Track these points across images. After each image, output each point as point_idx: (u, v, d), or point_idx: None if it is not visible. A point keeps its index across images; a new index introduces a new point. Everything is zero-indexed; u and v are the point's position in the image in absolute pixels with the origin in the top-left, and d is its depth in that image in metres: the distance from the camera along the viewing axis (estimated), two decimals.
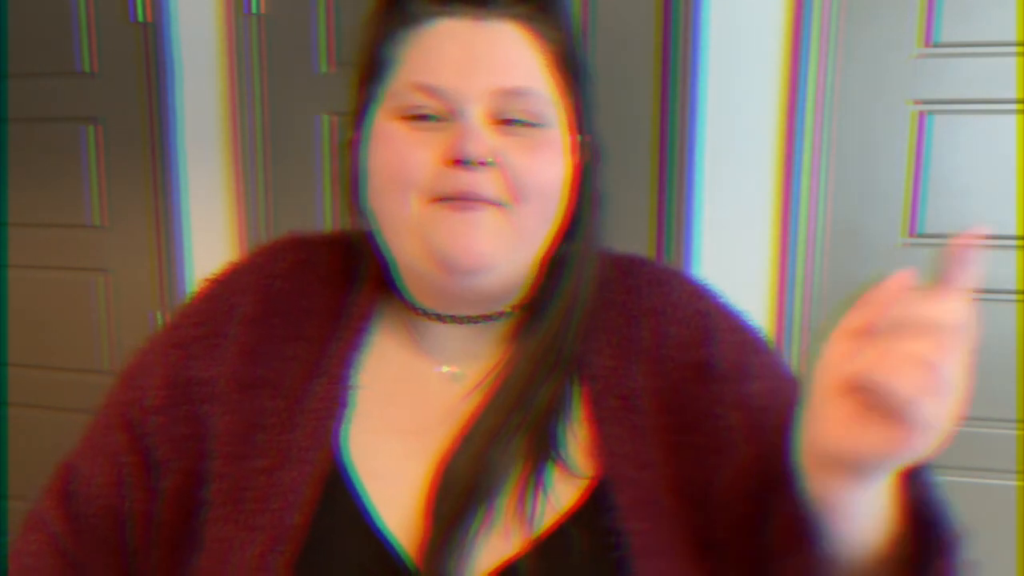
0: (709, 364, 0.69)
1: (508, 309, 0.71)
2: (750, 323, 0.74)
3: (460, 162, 0.61)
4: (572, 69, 0.68)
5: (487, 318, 0.70)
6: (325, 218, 1.98)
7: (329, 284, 0.72)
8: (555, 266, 0.70)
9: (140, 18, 2.01)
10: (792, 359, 1.75)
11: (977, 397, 1.79)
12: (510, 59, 0.64)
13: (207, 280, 0.75)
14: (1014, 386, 1.69)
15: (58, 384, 2.26)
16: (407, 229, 0.64)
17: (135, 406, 0.69)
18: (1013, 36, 1.60)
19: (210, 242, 2.08)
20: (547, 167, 0.65)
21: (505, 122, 0.64)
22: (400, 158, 0.63)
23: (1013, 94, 1.62)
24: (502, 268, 0.65)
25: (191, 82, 2.03)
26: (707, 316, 0.72)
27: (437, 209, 0.63)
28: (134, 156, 2.07)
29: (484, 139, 0.62)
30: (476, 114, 0.62)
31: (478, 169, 0.62)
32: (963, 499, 1.98)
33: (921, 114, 1.67)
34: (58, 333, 2.23)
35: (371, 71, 0.67)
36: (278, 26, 1.95)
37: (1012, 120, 1.63)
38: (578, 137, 0.69)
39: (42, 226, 2.20)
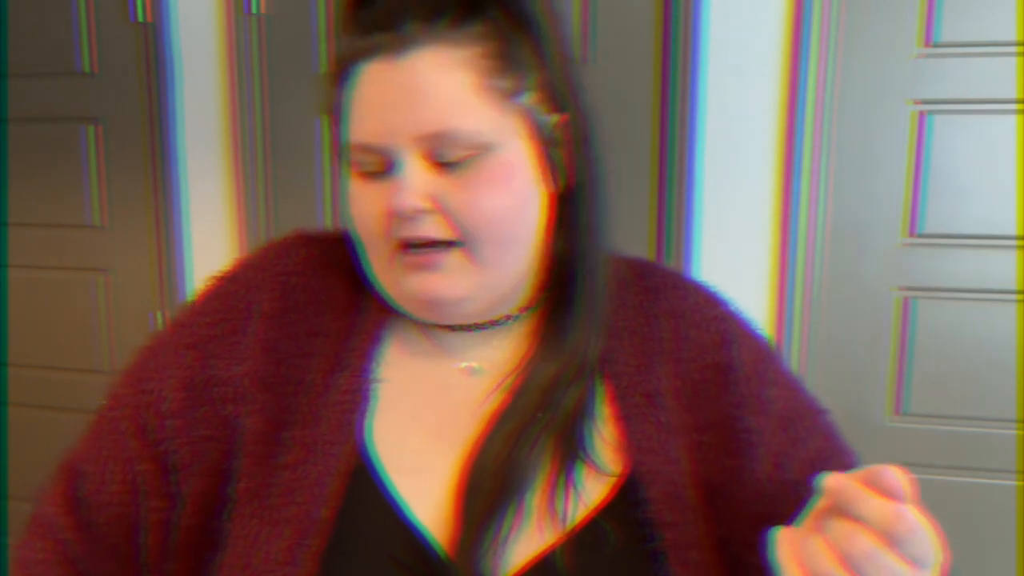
0: (729, 367, 0.70)
1: (515, 312, 0.71)
2: (760, 332, 0.76)
3: (396, 215, 0.62)
4: (529, 52, 0.64)
5: (494, 323, 0.71)
6: (325, 218, 1.98)
7: (344, 278, 0.72)
8: (563, 263, 0.70)
9: (140, 18, 2.01)
10: (792, 359, 1.75)
11: (977, 397, 1.80)
12: (428, 98, 0.60)
13: (215, 278, 0.73)
14: (1014, 386, 1.69)
15: (58, 384, 2.26)
16: (379, 276, 0.67)
17: (148, 410, 0.68)
18: (1013, 36, 1.60)
19: (210, 242, 2.08)
20: (491, 197, 0.62)
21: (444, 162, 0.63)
22: (360, 214, 0.66)
23: (1013, 94, 1.62)
24: (477, 298, 0.66)
25: (191, 82, 2.03)
26: (724, 321, 0.73)
27: (400, 263, 0.65)
28: (134, 156, 2.07)
29: (414, 189, 0.61)
30: (410, 162, 0.62)
31: (416, 217, 0.62)
32: (963, 499, 1.97)
33: (921, 114, 1.67)
34: (58, 333, 2.24)
35: (333, 119, 0.67)
36: (278, 26, 1.95)
37: (1012, 120, 1.63)
38: (553, 119, 0.66)
39: (42, 226, 2.20)
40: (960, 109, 1.65)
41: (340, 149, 0.67)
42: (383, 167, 0.63)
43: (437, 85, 0.61)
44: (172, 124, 2.03)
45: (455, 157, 0.61)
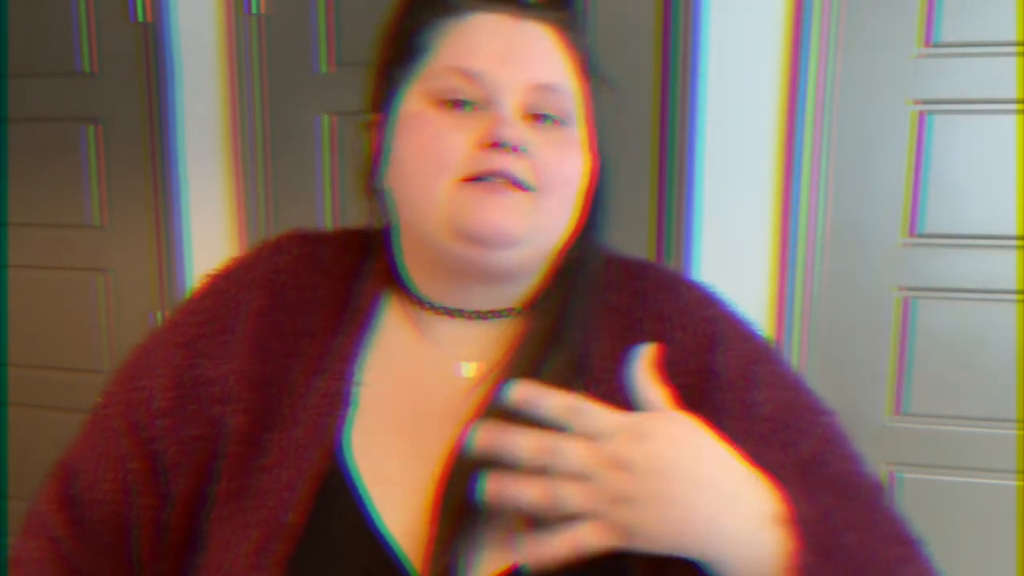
0: (713, 371, 0.68)
1: (517, 306, 0.70)
2: (758, 332, 0.73)
3: (496, 146, 0.63)
4: (590, 81, 0.70)
5: (496, 314, 0.70)
6: (325, 218, 1.98)
7: (333, 278, 0.71)
8: (562, 269, 0.70)
9: (140, 18, 2.01)
10: (792, 359, 1.75)
11: (977, 397, 1.79)
12: (544, 57, 0.66)
13: (208, 276, 0.73)
14: (1014, 386, 1.69)
15: (58, 384, 2.26)
16: (435, 208, 0.64)
17: (140, 408, 0.68)
18: (1013, 36, 1.60)
19: (210, 242, 2.08)
20: (571, 162, 0.67)
21: (535, 118, 0.66)
22: (434, 141, 0.64)
23: (1013, 94, 1.62)
24: (523, 248, 0.65)
25: (191, 82, 2.03)
26: (714, 323, 0.71)
27: (467, 189, 0.63)
28: (134, 156, 2.07)
29: (518, 127, 0.64)
30: (511, 104, 0.64)
31: (512, 154, 0.63)
32: (963, 499, 1.97)
33: (921, 114, 1.67)
34: (58, 333, 2.23)
35: (402, 56, 0.68)
36: (278, 26, 1.95)
37: (1012, 120, 1.63)
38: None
39: (42, 226, 2.20)
40: (960, 109, 1.65)
41: (409, 78, 0.67)
42: (479, 100, 0.65)
43: (553, 51, 0.67)
44: (172, 124, 2.03)
45: (551, 112, 0.66)
